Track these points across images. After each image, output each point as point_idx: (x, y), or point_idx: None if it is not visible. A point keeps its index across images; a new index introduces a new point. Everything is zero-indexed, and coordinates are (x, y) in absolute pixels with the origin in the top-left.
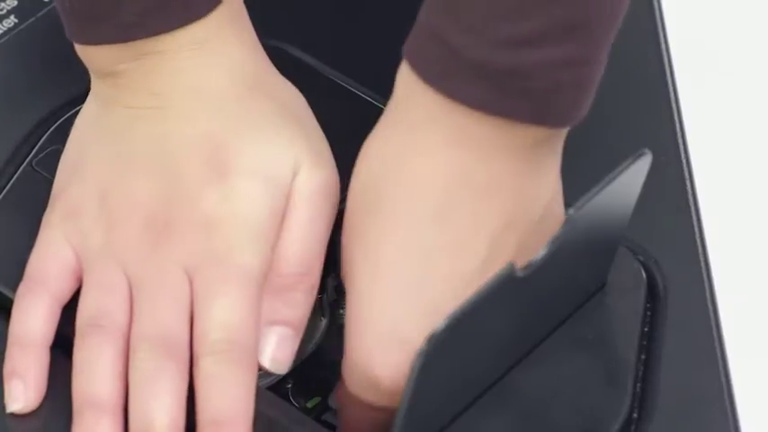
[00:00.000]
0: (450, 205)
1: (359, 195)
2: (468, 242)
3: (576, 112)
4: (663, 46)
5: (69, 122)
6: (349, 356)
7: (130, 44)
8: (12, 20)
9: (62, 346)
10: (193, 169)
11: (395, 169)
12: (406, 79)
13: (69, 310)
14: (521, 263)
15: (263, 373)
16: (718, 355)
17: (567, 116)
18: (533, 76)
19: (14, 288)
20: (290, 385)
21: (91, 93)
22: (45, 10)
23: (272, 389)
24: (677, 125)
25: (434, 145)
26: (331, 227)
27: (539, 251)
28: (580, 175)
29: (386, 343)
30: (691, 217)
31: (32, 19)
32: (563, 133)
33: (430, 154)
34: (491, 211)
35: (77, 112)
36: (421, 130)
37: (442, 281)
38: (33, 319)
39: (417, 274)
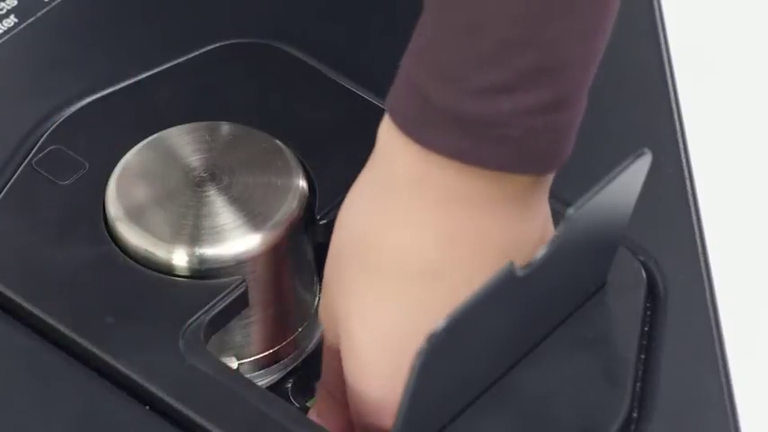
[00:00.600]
0: (442, 262)
1: (346, 249)
2: (461, 294)
3: (555, 159)
4: (663, 46)
5: (69, 122)
6: (350, 394)
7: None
8: (12, 20)
9: (61, 345)
10: None
11: (382, 230)
12: (387, 129)
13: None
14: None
15: (262, 372)
16: (718, 355)
17: (545, 163)
18: (508, 124)
19: (14, 288)
20: (289, 385)
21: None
22: (45, 10)
23: (271, 389)
24: (677, 125)
25: (420, 205)
26: None
27: (539, 251)
28: (580, 175)
29: (387, 391)
30: (691, 217)
31: (32, 19)
32: (548, 178)
33: (416, 214)
34: (483, 264)
35: (77, 112)
36: (405, 189)
37: None
38: None
39: (411, 328)
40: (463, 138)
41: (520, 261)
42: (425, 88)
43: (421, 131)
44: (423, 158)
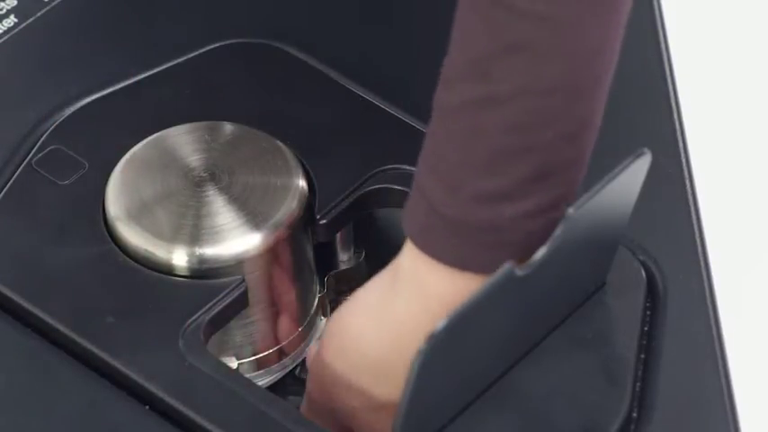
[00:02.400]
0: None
1: (353, 345)
2: None
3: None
4: (663, 46)
5: (69, 122)
6: None
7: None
8: (12, 20)
9: (61, 345)
10: None
11: (393, 339)
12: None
13: (69, 309)
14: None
15: (262, 372)
16: (718, 354)
17: (533, 251)
18: (507, 230)
19: (14, 288)
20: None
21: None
22: (45, 10)
23: (271, 389)
24: (677, 125)
25: (429, 318)
26: None
27: (539, 251)
28: None
29: None
30: (691, 217)
31: (32, 19)
32: None
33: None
34: None
35: (77, 112)
36: (419, 303)
37: None
38: None
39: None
40: (462, 245)
41: None
42: (431, 194)
43: (424, 237)
44: (432, 268)
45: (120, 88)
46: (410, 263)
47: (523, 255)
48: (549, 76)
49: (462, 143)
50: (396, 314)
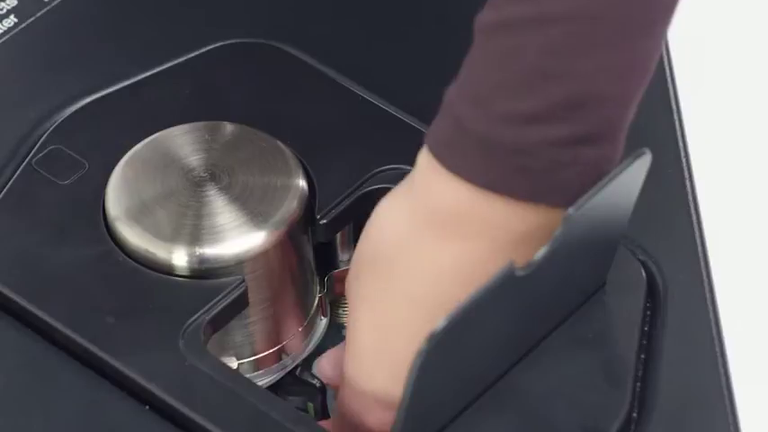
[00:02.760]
0: (459, 294)
1: (370, 257)
2: None
3: (578, 196)
4: (663, 46)
5: (69, 122)
6: (345, 410)
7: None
8: (12, 20)
9: (61, 345)
10: None
11: (406, 253)
12: (426, 154)
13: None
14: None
15: (262, 372)
16: (718, 354)
17: (566, 198)
18: (533, 154)
19: (14, 288)
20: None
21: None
22: (45, 10)
23: (271, 389)
24: (677, 125)
25: (447, 237)
26: None
27: (538, 250)
28: None
29: (381, 408)
30: (691, 217)
31: (32, 19)
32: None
33: (442, 244)
34: None
35: (77, 112)
36: (435, 220)
37: None
38: None
39: (411, 349)
40: (490, 165)
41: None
42: (459, 110)
43: (450, 155)
44: (453, 189)
45: (120, 88)
46: (438, 194)
47: (548, 187)
48: (597, 3)
49: (499, 61)
50: (420, 241)
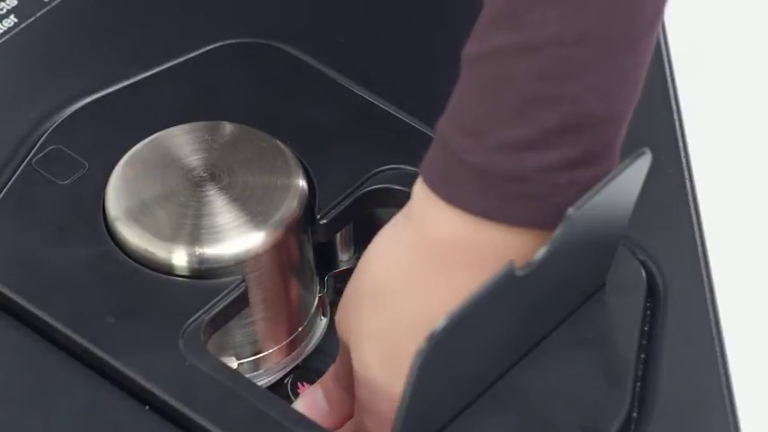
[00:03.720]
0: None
1: (371, 290)
2: None
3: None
4: (663, 46)
5: (69, 122)
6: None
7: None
8: (12, 20)
9: (61, 345)
10: None
11: (415, 284)
12: (421, 186)
13: (69, 309)
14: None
15: (262, 372)
16: (718, 354)
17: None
18: (532, 180)
19: (14, 288)
20: (288, 380)
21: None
22: (45, 10)
23: (272, 389)
24: (677, 125)
25: (450, 268)
26: None
27: (538, 251)
28: None
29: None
30: (691, 217)
31: (32, 19)
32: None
33: (447, 274)
34: None
35: (77, 112)
36: (436, 252)
37: None
38: None
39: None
40: (487, 194)
41: None
42: (453, 143)
43: (447, 187)
44: (452, 221)
45: (120, 88)
46: (433, 226)
47: (552, 211)
48: (581, 27)
49: (490, 91)
50: (416, 273)
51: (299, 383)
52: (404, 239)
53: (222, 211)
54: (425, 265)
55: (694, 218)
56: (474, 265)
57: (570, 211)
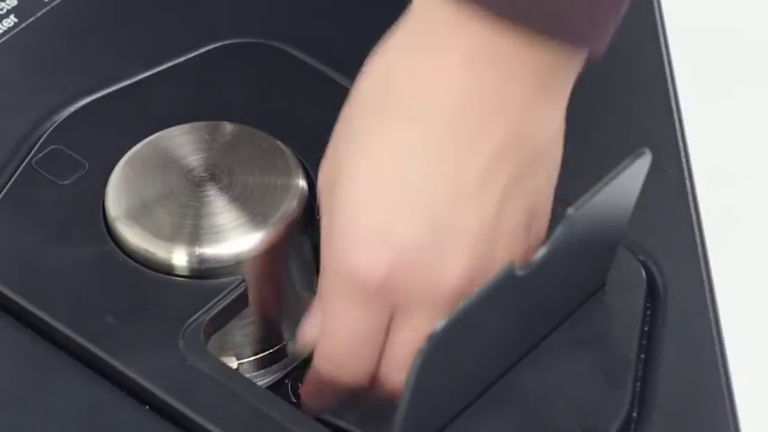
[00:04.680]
0: (463, 114)
1: (364, 95)
2: (473, 152)
3: (590, 31)
4: (663, 45)
5: (69, 122)
6: (329, 255)
7: None
8: (12, 20)
9: (61, 345)
10: None
11: (409, 75)
12: (437, 4)
13: (69, 309)
14: (518, 260)
15: (262, 372)
16: (718, 354)
17: (579, 33)
18: None
19: (14, 288)
20: (288, 381)
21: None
22: (45, 10)
23: (271, 389)
24: (677, 125)
25: (452, 62)
26: None
27: (538, 251)
28: (580, 175)
29: (376, 244)
30: (691, 217)
31: (32, 19)
32: (574, 71)
33: (447, 69)
34: (499, 126)
35: (77, 112)
36: (438, 46)
37: (443, 189)
38: None
39: (419, 178)
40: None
41: (526, 146)
42: None
43: None
44: (456, 13)
45: (120, 88)
46: (437, 19)
47: (557, 19)
48: None
49: None
50: (421, 64)
51: (299, 383)
52: (400, 39)
53: (222, 211)
54: (429, 60)
55: (694, 218)
56: (477, 64)
57: (570, 211)
